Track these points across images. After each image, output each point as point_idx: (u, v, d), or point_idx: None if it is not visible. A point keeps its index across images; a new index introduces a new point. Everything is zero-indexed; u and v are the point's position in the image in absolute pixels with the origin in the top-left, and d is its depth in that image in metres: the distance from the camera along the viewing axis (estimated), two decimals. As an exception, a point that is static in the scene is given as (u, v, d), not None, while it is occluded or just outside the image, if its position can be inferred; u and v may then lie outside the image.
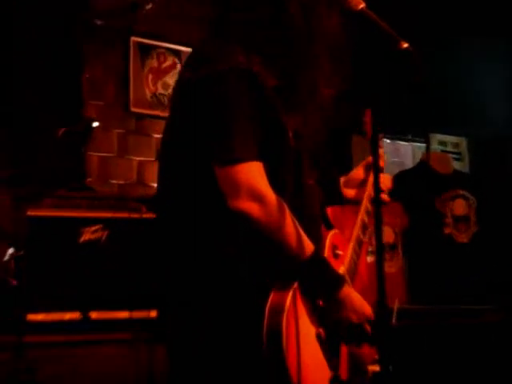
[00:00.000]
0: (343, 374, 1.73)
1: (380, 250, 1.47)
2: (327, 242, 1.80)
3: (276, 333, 1.52)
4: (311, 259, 1.64)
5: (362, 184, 2.03)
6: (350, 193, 2.09)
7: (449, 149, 5.77)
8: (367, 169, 2.08)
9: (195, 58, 1.70)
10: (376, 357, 2.12)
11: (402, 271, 4.35)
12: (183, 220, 1.65)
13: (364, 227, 1.92)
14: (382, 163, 1.98)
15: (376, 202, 1.44)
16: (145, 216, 3.22)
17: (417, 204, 4.41)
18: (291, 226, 1.60)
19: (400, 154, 5.70)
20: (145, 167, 4.51)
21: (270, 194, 1.57)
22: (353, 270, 1.85)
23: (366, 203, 1.97)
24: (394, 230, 4.38)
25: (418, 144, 5.74)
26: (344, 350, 1.74)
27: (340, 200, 2.07)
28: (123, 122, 4.47)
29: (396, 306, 3.22)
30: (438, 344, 3.52)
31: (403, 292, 4.21)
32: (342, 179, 2.08)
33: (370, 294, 3.10)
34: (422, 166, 4.66)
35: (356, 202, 1.99)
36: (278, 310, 1.55)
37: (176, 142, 1.68)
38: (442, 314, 3.58)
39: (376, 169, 1.46)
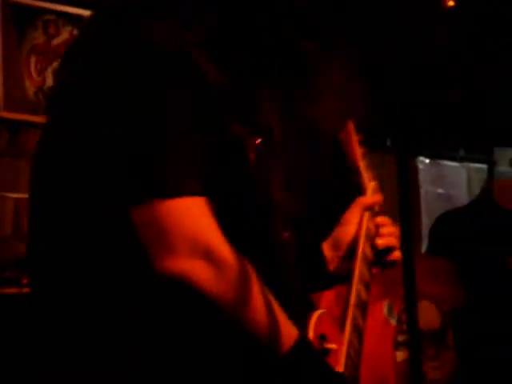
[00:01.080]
0: None
1: (416, 343, 1.27)
2: (311, 329, 1.59)
3: None
4: (295, 352, 1.45)
5: (351, 251, 1.89)
6: (340, 265, 1.92)
7: None
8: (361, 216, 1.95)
9: (102, 18, 1.59)
10: None
11: (454, 377, 3.75)
12: (72, 295, 1.48)
13: (361, 305, 1.78)
14: (371, 199, 1.96)
15: (406, 266, 1.27)
16: (26, 291, 3.06)
17: (477, 265, 3.78)
18: (261, 300, 1.43)
19: (447, 180, 5.09)
20: (25, 209, 3.51)
21: (225, 248, 1.39)
22: (352, 375, 1.69)
23: (361, 270, 1.83)
24: (441, 309, 3.81)
25: (476, 165, 5.11)
26: None
27: (326, 282, 1.91)
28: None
29: None
30: None
31: None
32: (326, 245, 1.91)
33: None
34: (484, 200, 4.11)
35: (348, 278, 1.85)
36: None
37: (61, 165, 1.51)
38: None
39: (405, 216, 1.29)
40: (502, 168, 4.50)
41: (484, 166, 4.74)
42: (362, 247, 1.87)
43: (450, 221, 4.04)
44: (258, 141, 1.58)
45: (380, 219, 1.95)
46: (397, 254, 1.90)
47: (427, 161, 5.07)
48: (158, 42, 1.47)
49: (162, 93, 1.43)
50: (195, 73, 1.47)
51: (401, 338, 3.52)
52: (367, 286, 1.84)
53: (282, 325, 1.46)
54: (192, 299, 1.39)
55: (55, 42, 3.83)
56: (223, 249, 1.40)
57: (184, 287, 1.37)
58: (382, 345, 3.48)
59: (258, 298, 1.44)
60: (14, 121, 3.71)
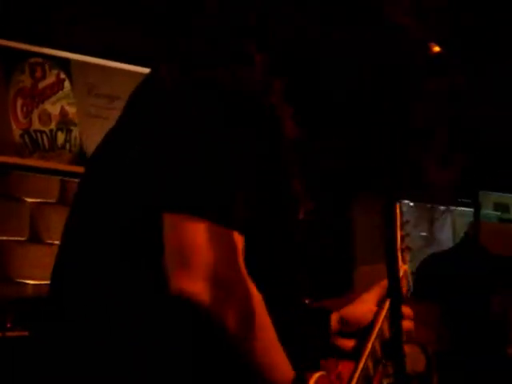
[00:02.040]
0: None
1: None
2: None
3: None
4: None
5: (368, 328, 1.82)
6: (348, 343, 1.84)
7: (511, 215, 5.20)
8: (381, 299, 1.86)
9: (171, 72, 1.56)
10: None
11: None
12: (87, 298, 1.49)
13: (368, 380, 1.70)
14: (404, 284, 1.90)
15: (394, 310, 1.31)
16: (10, 335, 3.09)
17: (462, 307, 3.89)
18: (268, 339, 1.45)
19: (431, 224, 5.08)
20: (12, 251, 3.83)
21: (245, 284, 1.41)
22: None
23: (372, 341, 1.76)
24: (425, 352, 3.70)
25: (462, 208, 5.13)
26: None
27: (329, 351, 1.80)
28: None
29: None
30: None
31: None
32: (336, 316, 1.85)
33: None
34: (469, 243, 4.22)
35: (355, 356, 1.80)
36: None
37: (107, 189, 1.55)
38: None
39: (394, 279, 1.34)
40: (487, 211, 4.75)
41: (469, 209, 4.79)
42: (380, 326, 1.84)
43: (435, 263, 4.09)
44: (311, 205, 1.63)
45: (406, 310, 1.89)
46: (409, 326, 1.86)
47: (411, 204, 5.06)
48: (250, 85, 1.51)
49: (241, 131, 1.46)
50: (274, 122, 1.54)
51: (386, 382, 3.61)
52: (377, 363, 1.80)
53: (282, 364, 1.46)
54: (202, 321, 1.39)
55: (41, 84, 3.82)
56: (243, 284, 1.41)
57: (194, 308, 1.37)
58: None
59: (266, 335, 1.45)
60: (1, 164, 3.68)
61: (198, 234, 1.39)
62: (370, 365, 1.76)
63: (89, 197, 1.62)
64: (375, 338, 1.80)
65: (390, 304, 1.36)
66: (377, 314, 1.85)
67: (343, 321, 1.87)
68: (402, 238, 1.97)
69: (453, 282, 3.97)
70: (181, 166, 1.46)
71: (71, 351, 1.51)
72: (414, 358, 3.57)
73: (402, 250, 1.97)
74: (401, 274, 1.92)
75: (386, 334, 1.83)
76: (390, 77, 1.49)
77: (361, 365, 1.73)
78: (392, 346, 1.37)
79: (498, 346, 4.00)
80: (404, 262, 1.97)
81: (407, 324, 1.83)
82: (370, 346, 1.77)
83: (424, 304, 3.64)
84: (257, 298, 1.43)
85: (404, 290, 1.92)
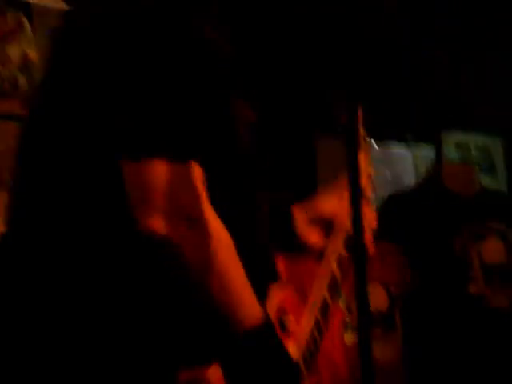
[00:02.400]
0: None
1: (365, 324, 1.28)
2: (271, 303, 1.57)
3: None
4: (256, 332, 1.44)
5: (329, 221, 1.86)
6: (312, 235, 1.86)
7: (473, 155, 4.87)
8: (340, 194, 1.89)
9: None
10: None
11: (402, 358, 3.85)
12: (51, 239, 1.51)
13: (333, 286, 1.73)
14: (365, 182, 1.91)
15: (356, 247, 1.29)
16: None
17: (423, 247, 3.93)
18: (233, 269, 1.45)
19: (395, 165, 4.89)
20: None
21: (208, 216, 1.42)
22: (311, 354, 1.63)
23: (336, 248, 1.79)
24: (389, 291, 3.90)
25: (423, 149, 4.86)
26: None
27: (293, 245, 1.84)
28: None
29: None
30: None
31: None
32: (299, 210, 1.87)
33: None
34: (431, 184, 4.29)
35: (319, 251, 1.83)
36: None
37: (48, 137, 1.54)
38: None
39: (355, 192, 1.30)
40: (448, 150, 4.70)
41: (430, 150, 4.78)
42: (342, 223, 1.86)
43: (397, 204, 4.09)
44: (253, 118, 1.63)
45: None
46: (368, 239, 1.86)
47: (377, 147, 4.90)
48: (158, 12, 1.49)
49: (178, 59, 1.46)
50: (202, 41, 1.51)
51: (349, 320, 3.23)
52: (341, 265, 1.82)
53: (249, 300, 1.47)
54: (170, 257, 1.40)
55: (1, 28, 3.67)
56: (207, 215, 1.42)
57: (164, 245, 1.38)
58: (331, 328, 3.70)
59: (232, 267, 1.45)
60: None
61: (154, 172, 1.41)
62: (337, 270, 1.78)
63: (37, 143, 1.60)
64: (342, 238, 1.81)
65: (354, 247, 1.33)
66: (338, 211, 1.87)
67: (305, 216, 1.90)
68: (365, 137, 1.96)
69: (415, 223, 3.99)
70: (127, 112, 1.46)
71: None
72: (377, 297, 3.77)
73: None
74: (364, 180, 1.92)
75: (349, 230, 1.75)
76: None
77: (326, 267, 1.75)
78: (356, 286, 1.32)
79: (459, 285, 3.99)
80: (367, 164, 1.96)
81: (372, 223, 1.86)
82: (333, 243, 1.79)
83: (387, 245, 3.70)
84: (220, 229, 1.45)
85: (368, 193, 1.93)
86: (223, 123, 1.58)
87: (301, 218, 1.89)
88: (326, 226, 1.87)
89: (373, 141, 4.49)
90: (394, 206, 4.09)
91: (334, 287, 1.75)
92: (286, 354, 1.53)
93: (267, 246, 1.74)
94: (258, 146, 1.73)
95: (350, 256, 1.80)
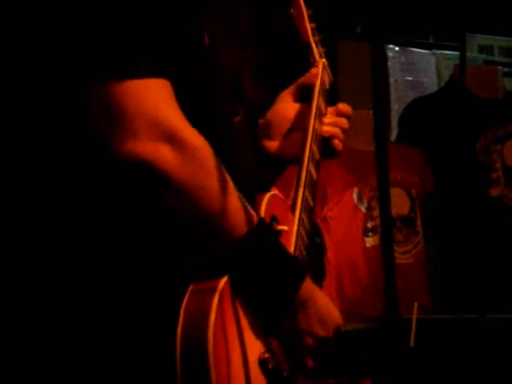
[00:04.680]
0: None
1: (387, 227, 1.31)
2: (262, 211, 1.59)
3: (199, 339, 1.38)
4: (254, 234, 1.46)
5: (288, 136, 1.86)
6: (274, 146, 1.88)
7: (497, 58, 5.01)
8: (301, 95, 1.88)
9: None
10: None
11: (424, 261, 3.86)
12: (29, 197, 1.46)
13: (312, 185, 1.76)
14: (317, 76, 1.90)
15: (380, 152, 1.31)
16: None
17: (446, 150, 3.89)
18: (222, 183, 1.44)
19: (416, 68, 4.97)
20: None
21: (188, 130, 1.38)
22: (303, 258, 1.68)
23: (310, 143, 1.78)
24: (410, 194, 3.90)
25: (446, 52, 4.98)
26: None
27: (268, 163, 1.88)
28: None
29: (415, 316, 2.79)
30: (478, 369, 3.13)
31: (426, 294, 3.78)
32: (260, 121, 1.89)
33: (371, 299, 3.58)
34: (454, 87, 4.15)
35: (291, 162, 1.85)
36: (198, 323, 1.40)
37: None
38: (486, 326, 3.21)
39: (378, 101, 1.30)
40: (471, 54, 4.70)
41: (453, 53, 4.77)
42: (313, 124, 1.83)
43: (419, 108, 4.07)
44: (213, 27, 1.56)
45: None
46: (337, 143, 1.89)
47: (397, 48, 4.98)
48: None
49: None
50: None
51: (370, 225, 3.65)
52: (317, 165, 1.83)
53: (241, 207, 1.47)
54: (154, 182, 1.38)
55: None
56: (186, 131, 1.40)
57: (148, 170, 1.36)
58: (352, 231, 3.67)
59: (220, 179, 1.44)
60: None
61: (123, 95, 1.37)
62: (312, 168, 1.80)
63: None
64: (311, 140, 1.81)
65: (376, 151, 1.31)
66: (310, 115, 1.84)
67: (266, 124, 1.88)
68: (314, 30, 1.94)
69: (437, 126, 3.95)
70: (87, 36, 1.40)
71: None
72: (399, 200, 3.75)
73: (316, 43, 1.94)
74: (321, 66, 1.93)
75: (319, 135, 1.85)
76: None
77: (303, 172, 1.76)
78: (378, 190, 1.32)
79: (481, 188, 3.95)
80: (320, 56, 1.95)
81: (341, 122, 1.86)
82: (307, 150, 1.79)
83: (408, 148, 3.86)
84: (205, 146, 1.43)
85: (327, 82, 1.92)
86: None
87: (261, 130, 1.88)
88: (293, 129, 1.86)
89: (392, 44, 4.83)
90: (416, 110, 4.09)
91: (311, 186, 1.78)
92: (281, 247, 1.55)
93: (252, 161, 1.73)
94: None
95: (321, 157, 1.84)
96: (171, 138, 1.36)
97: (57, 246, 1.43)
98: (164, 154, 1.35)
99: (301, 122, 1.86)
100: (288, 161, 1.87)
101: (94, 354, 1.41)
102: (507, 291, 3.65)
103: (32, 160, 1.45)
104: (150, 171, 1.34)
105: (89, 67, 1.37)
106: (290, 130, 1.86)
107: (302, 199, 1.72)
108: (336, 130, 1.87)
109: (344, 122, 1.88)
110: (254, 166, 1.71)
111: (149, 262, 1.43)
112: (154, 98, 1.37)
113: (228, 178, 1.46)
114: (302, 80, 1.91)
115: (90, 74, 1.36)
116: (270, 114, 1.89)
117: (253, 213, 1.50)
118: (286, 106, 1.88)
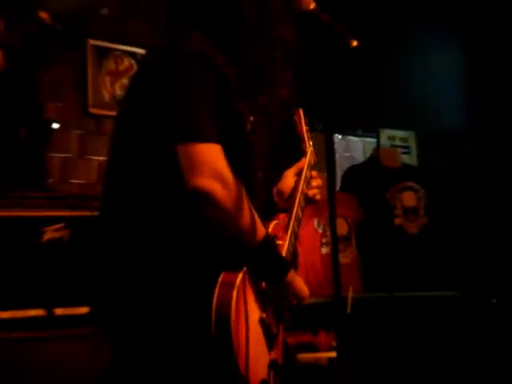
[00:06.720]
0: (279, 358, 1.78)
1: (335, 242, 1.53)
2: (269, 230, 1.84)
3: (225, 311, 1.53)
4: (263, 244, 1.66)
5: (290, 196, 2.05)
6: (281, 203, 2.11)
7: (397, 143, 5.64)
8: (297, 175, 2.12)
9: (157, 46, 1.72)
10: (333, 344, 2.41)
11: (356, 261, 4.43)
12: (130, 214, 1.63)
13: (298, 221, 1.98)
14: (307, 161, 2.11)
15: (331, 197, 1.50)
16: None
17: (368, 197, 4.48)
18: (248, 210, 1.61)
19: (351, 149, 5.59)
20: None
21: (232, 177, 1.56)
22: (289, 259, 1.90)
23: (299, 198, 2.03)
24: (348, 222, 4.44)
25: (369, 139, 5.61)
26: (280, 335, 1.79)
27: (272, 210, 2.08)
28: (82, 123, 4.22)
29: (350, 294, 3.27)
30: (391, 328, 3.60)
31: (357, 281, 4.30)
32: (274, 192, 2.11)
33: (325, 285, 3.55)
34: (373, 160, 4.71)
35: (285, 211, 2.02)
36: (228, 286, 1.57)
37: (128, 129, 1.68)
38: (394, 300, 3.65)
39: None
40: (383, 141, 5.26)
41: (373, 140, 5.33)
42: (302, 188, 2.03)
43: (353, 172, 4.73)
44: (252, 117, 1.74)
45: (313, 172, 2.08)
46: (318, 197, 2.08)
47: (340, 137, 5.57)
48: (201, 49, 1.61)
49: (202, 78, 1.56)
50: (219, 70, 1.60)
51: (324, 240, 4.25)
52: (302, 209, 1.99)
53: (257, 225, 1.64)
54: (209, 205, 1.52)
55: (120, 67, 4.35)
56: (231, 177, 1.54)
57: (206, 197, 1.50)
58: (313, 244, 4.23)
59: (247, 207, 1.60)
60: (97, 114, 4.25)
61: (200, 151, 1.51)
62: (299, 211, 1.98)
63: (120, 134, 1.71)
64: (300, 196, 2.00)
65: (328, 196, 1.49)
66: (299, 182, 2.03)
67: (279, 191, 2.10)
68: (307, 131, 2.12)
69: (364, 183, 4.51)
70: (178, 109, 1.55)
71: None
72: (341, 225, 4.32)
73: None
74: (309, 152, 2.11)
75: (305, 193, 2.02)
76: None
77: (294, 212, 1.96)
78: (329, 219, 1.51)
79: (389, 219, 4.48)
80: (310, 146, 2.13)
81: (319, 184, 2.02)
82: (297, 201, 1.98)
83: (347, 195, 4.47)
84: (240, 187, 1.56)
85: (312, 161, 2.11)
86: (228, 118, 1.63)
87: (276, 199, 2.08)
88: (290, 194, 2.03)
89: (337, 134, 5.07)
90: (351, 173, 4.71)
91: (298, 221, 1.94)
92: (281, 255, 1.77)
93: (269, 196, 1.94)
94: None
95: (305, 203, 1.97)
96: (222, 179, 1.52)
97: (167, 243, 1.58)
98: (217, 188, 1.50)
99: (297, 187, 2.04)
100: (283, 210, 2.01)
101: (183, 314, 1.59)
102: (408, 277, 4.14)
103: (150, 190, 1.60)
104: (207, 198, 1.50)
105: (180, 134, 1.54)
106: (291, 195, 2.04)
107: (292, 227, 1.91)
108: (317, 191, 2.08)
109: (320, 184, 2.08)
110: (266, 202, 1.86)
111: (201, 258, 1.58)
112: (214, 154, 1.53)
113: (251, 205, 1.61)
114: (298, 163, 2.09)
115: (180, 137, 1.54)
116: (280, 185, 2.10)
117: (264, 230, 1.66)
118: (289, 181, 2.09)
